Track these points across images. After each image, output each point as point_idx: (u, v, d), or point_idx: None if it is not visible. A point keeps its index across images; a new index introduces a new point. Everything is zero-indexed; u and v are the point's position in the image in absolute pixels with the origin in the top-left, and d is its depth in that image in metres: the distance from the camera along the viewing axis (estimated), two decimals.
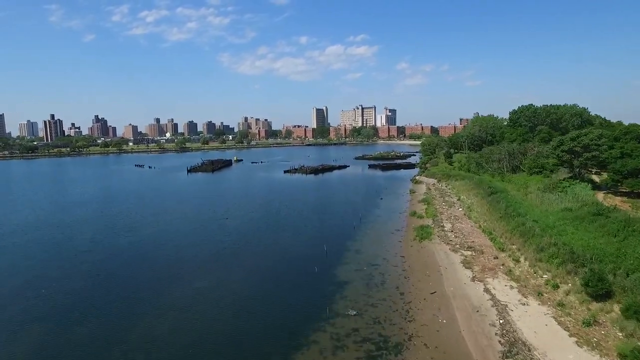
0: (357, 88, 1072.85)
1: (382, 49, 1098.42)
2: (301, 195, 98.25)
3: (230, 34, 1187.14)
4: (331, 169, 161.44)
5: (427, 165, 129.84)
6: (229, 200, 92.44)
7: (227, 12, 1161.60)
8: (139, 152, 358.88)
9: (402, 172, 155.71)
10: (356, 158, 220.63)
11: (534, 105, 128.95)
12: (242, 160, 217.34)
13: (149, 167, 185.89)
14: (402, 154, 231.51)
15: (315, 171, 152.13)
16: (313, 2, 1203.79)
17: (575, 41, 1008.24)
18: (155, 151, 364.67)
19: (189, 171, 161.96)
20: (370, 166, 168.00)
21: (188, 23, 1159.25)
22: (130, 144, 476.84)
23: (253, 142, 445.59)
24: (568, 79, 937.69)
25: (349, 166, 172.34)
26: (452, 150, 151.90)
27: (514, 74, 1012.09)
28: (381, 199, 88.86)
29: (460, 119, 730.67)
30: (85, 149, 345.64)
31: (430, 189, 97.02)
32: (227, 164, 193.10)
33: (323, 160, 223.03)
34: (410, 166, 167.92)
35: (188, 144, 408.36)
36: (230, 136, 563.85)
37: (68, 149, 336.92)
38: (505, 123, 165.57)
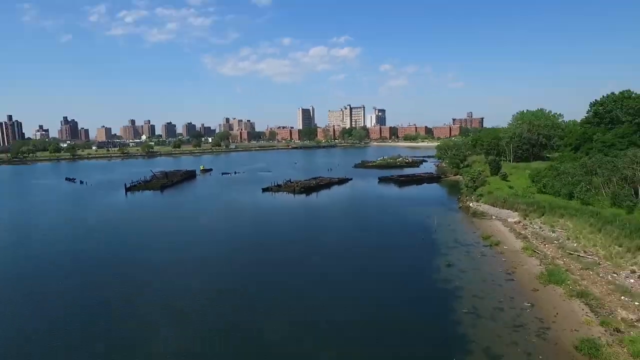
0: (342, 89, 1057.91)
1: (366, 50, 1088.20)
2: (282, 252, 53.01)
3: (212, 34, 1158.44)
4: (329, 184, 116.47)
5: (475, 182, 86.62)
6: (138, 275, 46.46)
7: (208, 13, 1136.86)
8: (97, 157, 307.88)
9: (427, 188, 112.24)
10: (356, 166, 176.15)
11: (633, 92, 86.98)
12: (210, 170, 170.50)
13: (81, 182, 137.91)
14: (410, 159, 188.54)
15: (307, 189, 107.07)
16: (295, 3, 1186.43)
17: (557, 42, 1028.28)
18: (117, 156, 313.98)
19: (128, 190, 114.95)
20: (381, 180, 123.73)
21: (168, 24, 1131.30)
22: (94, 147, 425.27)
23: (232, 145, 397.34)
24: (550, 78, 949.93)
25: (351, 179, 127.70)
26: (497, 158, 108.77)
27: (494, 76, 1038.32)
28: (449, 266, 44.48)
29: (453, 119, 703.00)
30: (31, 155, 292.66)
31: (525, 236, 53.12)
32: (189, 176, 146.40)
33: (313, 167, 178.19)
34: (434, 179, 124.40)
35: (157, 148, 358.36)
36: (210, 138, 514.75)
37: (9, 154, 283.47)
38: (561, 120, 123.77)
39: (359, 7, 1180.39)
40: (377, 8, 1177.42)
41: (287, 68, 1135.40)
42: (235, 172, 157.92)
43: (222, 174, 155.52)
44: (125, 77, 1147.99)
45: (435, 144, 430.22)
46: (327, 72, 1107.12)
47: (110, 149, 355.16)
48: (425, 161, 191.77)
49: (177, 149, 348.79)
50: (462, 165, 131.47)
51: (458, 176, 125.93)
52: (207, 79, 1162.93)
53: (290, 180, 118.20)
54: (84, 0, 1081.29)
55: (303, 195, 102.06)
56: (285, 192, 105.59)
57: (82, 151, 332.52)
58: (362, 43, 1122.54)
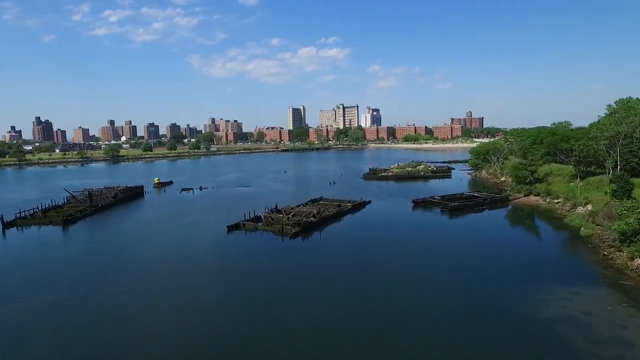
0: (331, 90, 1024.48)
1: (354, 51, 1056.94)
2: None
3: (199, 35, 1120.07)
4: (338, 214, 72.79)
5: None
6: None
7: (195, 13, 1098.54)
8: (50, 163, 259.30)
9: (495, 219, 70.37)
10: (365, 177, 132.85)
11: None
12: (169, 183, 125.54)
13: None
14: (434, 167, 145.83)
15: (306, 225, 62.92)
16: (283, 4, 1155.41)
17: (545, 42, 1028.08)
18: (74, 161, 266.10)
19: (10, 224, 70.36)
20: (417, 204, 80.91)
21: (154, 23, 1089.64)
22: (57, 150, 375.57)
23: (213, 148, 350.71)
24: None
25: (369, 202, 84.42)
26: (624, 175, 66.06)
27: (483, 76, 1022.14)
28: None
29: (452, 119, 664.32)
30: None
31: None
32: (131, 194, 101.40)
33: (308, 179, 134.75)
34: (497, 202, 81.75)
35: (124, 152, 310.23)
36: (193, 140, 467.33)
37: None
38: None
39: (347, 8, 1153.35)
40: (365, 9, 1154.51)
41: (276, 69, 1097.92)
42: (200, 188, 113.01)
43: (182, 190, 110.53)
44: (110, 77, 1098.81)
45: (441, 145, 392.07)
46: (316, 73, 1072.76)
47: (67, 152, 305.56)
48: (453, 168, 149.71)
49: (147, 152, 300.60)
50: (529, 178, 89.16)
51: (532, 197, 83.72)
52: (194, 79, 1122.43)
53: (276, 208, 74.50)
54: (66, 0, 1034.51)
55: (298, 239, 58.49)
56: (267, 231, 61.92)
57: (34, 155, 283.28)
58: (351, 44, 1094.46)
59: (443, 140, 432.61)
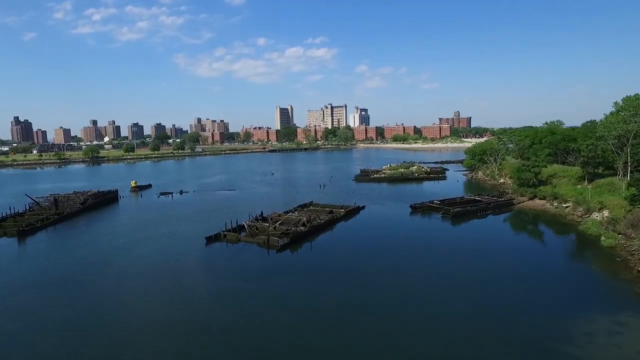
0: (318, 90, 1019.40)
1: (341, 51, 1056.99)
2: None
3: (185, 34, 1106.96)
4: (331, 222, 65.92)
5: None
6: None
7: (181, 12, 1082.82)
8: (25, 165, 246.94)
9: (500, 225, 64.67)
10: (357, 178, 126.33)
11: None
12: (148, 187, 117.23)
13: None
14: (428, 168, 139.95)
15: (295, 235, 55.90)
16: (269, 3, 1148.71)
17: (531, 42, 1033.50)
18: (51, 163, 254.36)
19: None
20: (416, 209, 74.69)
21: (139, 22, 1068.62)
22: (35, 151, 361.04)
23: (198, 149, 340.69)
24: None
25: (363, 207, 77.82)
26: None
27: (468, 77, 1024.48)
28: None
29: (440, 119, 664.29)
30: None
31: None
32: (104, 199, 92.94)
33: (297, 181, 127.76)
34: (502, 206, 76.06)
35: (105, 152, 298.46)
36: (178, 140, 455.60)
37: None
38: None
39: (334, 9, 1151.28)
40: (352, 9, 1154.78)
41: (263, 69, 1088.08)
42: (180, 192, 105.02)
43: (160, 194, 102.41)
44: (94, 76, 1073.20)
45: (430, 145, 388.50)
46: (303, 73, 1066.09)
47: (41, 154, 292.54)
48: (447, 169, 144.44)
49: (129, 153, 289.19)
50: (533, 180, 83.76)
51: (537, 200, 78.27)
52: (180, 79, 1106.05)
53: (261, 215, 67.35)
54: None
55: (286, 252, 51.60)
56: (251, 243, 54.80)
57: (7, 157, 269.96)
58: (338, 44, 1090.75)
59: (432, 140, 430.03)
